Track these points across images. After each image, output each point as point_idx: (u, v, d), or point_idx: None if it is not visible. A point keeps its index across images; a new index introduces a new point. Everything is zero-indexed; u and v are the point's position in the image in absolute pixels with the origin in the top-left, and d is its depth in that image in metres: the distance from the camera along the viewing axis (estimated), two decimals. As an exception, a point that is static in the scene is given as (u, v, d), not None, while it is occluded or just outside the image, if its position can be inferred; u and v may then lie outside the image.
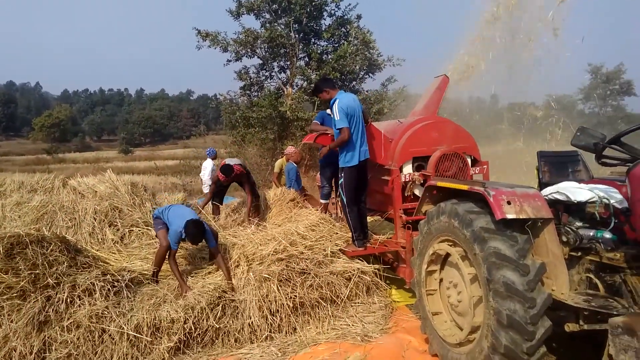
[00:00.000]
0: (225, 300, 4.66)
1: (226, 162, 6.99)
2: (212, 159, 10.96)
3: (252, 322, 4.55)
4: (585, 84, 51.46)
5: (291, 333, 4.69)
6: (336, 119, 5.13)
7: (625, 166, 3.11)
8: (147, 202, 6.95)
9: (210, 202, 7.40)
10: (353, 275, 5.15)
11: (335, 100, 5.22)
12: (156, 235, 5.52)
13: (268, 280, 4.76)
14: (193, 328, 4.38)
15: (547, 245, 3.31)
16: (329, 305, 4.94)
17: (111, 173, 7.49)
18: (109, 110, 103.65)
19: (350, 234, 5.49)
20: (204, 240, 5.17)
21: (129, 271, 5.05)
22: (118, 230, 6.21)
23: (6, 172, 13.56)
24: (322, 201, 6.72)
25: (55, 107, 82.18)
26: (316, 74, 17.08)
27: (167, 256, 5.11)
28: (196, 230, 4.97)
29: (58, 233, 5.33)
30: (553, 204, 3.64)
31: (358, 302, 5.14)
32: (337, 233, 5.69)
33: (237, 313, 4.62)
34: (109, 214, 6.35)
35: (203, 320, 4.46)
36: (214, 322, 4.47)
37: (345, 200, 5.34)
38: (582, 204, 3.51)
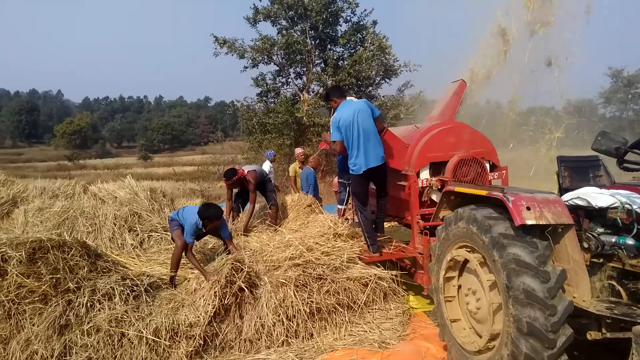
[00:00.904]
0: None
1: (234, 167, 6.99)
2: (271, 161, 10.82)
3: (268, 327, 4.55)
4: (606, 87, 50.74)
5: (308, 339, 4.68)
6: (331, 132, 5.39)
7: (648, 171, 3.06)
8: (166, 207, 7.04)
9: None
10: (370, 281, 5.12)
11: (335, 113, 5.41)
12: (171, 238, 5.60)
13: (285, 285, 4.76)
14: (209, 332, 4.41)
15: (568, 251, 3.25)
16: (345, 311, 4.92)
17: (131, 179, 7.60)
18: (129, 117, 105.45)
19: (365, 240, 5.48)
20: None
21: (148, 276, 5.11)
22: (137, 235, 6.29)
23: (29, 178, 13.84)
24: (339, 206, 6.73)
25: (77, 114, 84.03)
26: (332, 80, 17.16)
27: (184, 253, 5.21)
28: (212, 210, 5.17)
29: (79, 238, 5.42)
30: (574, 209, 3.58)
31: (375, 309, 5.11)
32: (353, 238, 5.67)
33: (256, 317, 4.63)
34: (128, 219, 6.44)
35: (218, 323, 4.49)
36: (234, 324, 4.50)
37: (357, 207, 5.39)
38: (603, 209, 3.45)
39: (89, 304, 4.34)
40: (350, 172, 5.35)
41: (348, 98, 5.54)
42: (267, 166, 10.66)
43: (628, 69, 49.52)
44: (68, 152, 64.81)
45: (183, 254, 5.26)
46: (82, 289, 4.40)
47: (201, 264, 5.14)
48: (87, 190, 7.75)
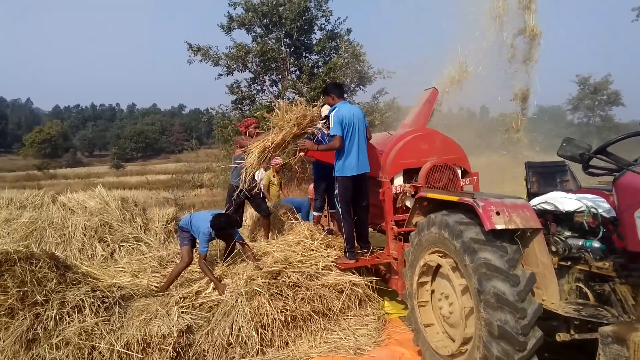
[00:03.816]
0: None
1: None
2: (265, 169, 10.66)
3: (243, 337, 4.50)
4: (574, 94, 52.27)
5: (283, 347, 4.64)
6: (331, 126, 5.23)
7: (612, 176, 3.15)
8: (138, 217, 6.92)
9: None
10: (345, 287, 5.13)
11: (334, 109, 5.32)
12: (180, 250, 5.55)
13: (259, 294, 4.73)
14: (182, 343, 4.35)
15: (536, 255, 3.32)
16: (321, 319, 4.90)
17: (101, 188, 7.47)
18: (101, 125, 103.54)
19: (344, 245, 5.49)
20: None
21: (119, 287, 5.01)
22: (108, 245, 6.17)
23: (-4, 188, 13.41)
24: (315, 214, 6.72)
25: (47, 122, 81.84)
26: (307, 87, 17.20)
27: (190, 245, 5.36)
28: (225, 219, 5.29)
29: (47, 249, 5.30)
30: (542, 214, 3.67)
31: (350, 315, 5.11)
32: (328, 247, 5.69)
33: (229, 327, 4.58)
34: (99, 229, 6.32)
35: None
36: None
37: (340, 211, 5.36)
38: (570, 213, 3.55)
39: (57, 317, 4.22)
40: (339, 173, 5.29)
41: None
42: (257, 173, 10.52)
43: (594, 77, 51.21)
44: (37, 161, 63.00)
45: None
46: (50, 302, 4.28)
47: (214, 275, 5.12)
48: (56, 201, 7.57)
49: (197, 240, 5.39)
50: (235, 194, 6.22)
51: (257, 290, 4.73)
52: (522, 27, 6.31)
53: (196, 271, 5.48)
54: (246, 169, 5.43)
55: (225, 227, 5.28)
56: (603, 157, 3.10)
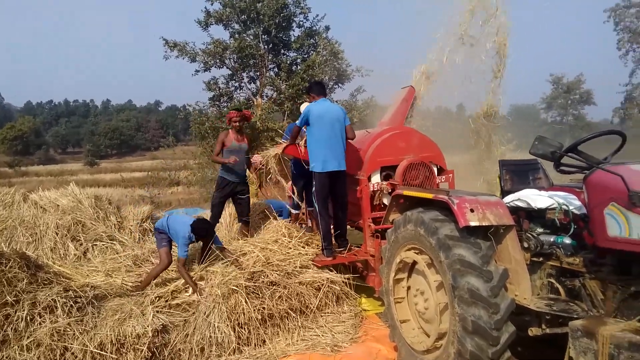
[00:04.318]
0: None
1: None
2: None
3: (219, 336, 4.47)
4: (548, 93, 53.31)
5: (260, 346, 4.63)
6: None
7: (583, 173, 3.22)
8: (112, 215, 6.79)
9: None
10: (322, 285, 5.14)
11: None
12: (158, 252, 5.41)
13: (236, 292, 4.70)
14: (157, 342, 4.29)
15: (509, 251, 3.38)
16: (298, 316, 4.90)
17: (74, 186, 7.30)
18: (74, 122, 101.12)
19: (321, 243, 5.49)
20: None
21: (92, 287, 4.92)
22: (81, 244, 6.04)
23: (-36, 186, 13.00)
24: (293, 211, 6.71)
25: (18, 119, 79.54)
26: (286, 85, 17.14)
27: (168, 247, 5.28)
28: (206, 225, 5.29)
29: (18, 249, 5.16)
30: (515, 211, 3.74)
31: (328, 312, 5.13)
32: (306, 245, 5.69)
33: (205, 326, 4.54)
34: (71, 228, 6.19)
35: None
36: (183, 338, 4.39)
37: (317, 208, 5.37)
38: (542, 210, 3.62)
39: (28, 318, 4.11)
40: (313, 169, 5.33)
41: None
42: None
43: (567, 76, 52.28)
44: (9, 158, 61.35)
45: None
46: (21, 302, 4.17)
47: (193, 279, 5.05)
48: (28, 199, 7.36)
49: (175, 243, 5.32)
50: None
51: (234, 289, 4.69)
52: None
53: (172, 270, 5.41)
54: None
55: (207, 234, 5.23)
56: (574, 156, 3.17)
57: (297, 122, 5.52)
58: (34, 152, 73.56)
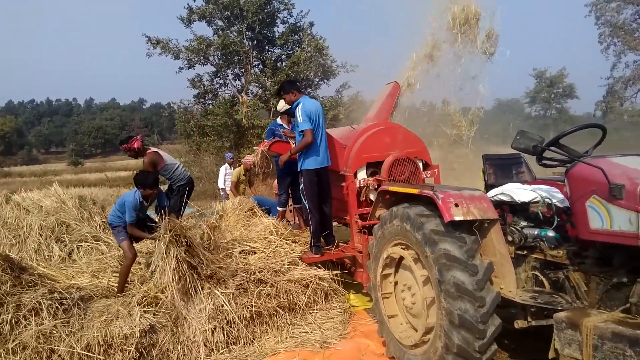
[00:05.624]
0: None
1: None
2: (229, 164, 10.47)
3: (207, 334, 4.46)
4: (531, 87, 53.88)
5: (249, 344, 4.62)
6: (299, 121, 5.16)
7: (565, 167, 3.27)
8: (97, 215, 6.73)
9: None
10: (311, 282, 5.14)
11: (298, 104, 5.25)
12: (119, 246, 5.29)
13: (223, 294, 4.68)
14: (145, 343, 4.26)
15: (494, 245, 3.42)
16: (287, 314, 4.90)
17: (57, 186, 7.22)
18: (57, 121, 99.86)
19: (310, 240, 5.49)
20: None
21: (78, 288, 4.88)
22: (66, 246, 5.98)
23: (-56, 188, 12.75)
24: (280, 209, 6.70)
25: (-1, 118, 78.35)
26: (271, 81, 17.10)
27: (128, 239, 5.16)
28: (146, 174, 5.24)
29: (1, 251, 5.08)
30: (498, 205, 3.78)
31: (316, 309, 5.13)
32: (294, 242, 5.69)
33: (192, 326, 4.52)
34: (55, 229, 6.12)
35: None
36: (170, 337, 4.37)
37: (307, 205, 5.35)
38: (525, 204, 3.67)
39: (13, 321, 4.07)
40: (305, 166, 5.25)
41: None
42: (223, 170, 10.37)
43: (550, 71, 52.89)
44: (-10, 159, 60.52)
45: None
46: (5, 305, 4.12)
47: (146, 234, 5.12)
48: (10, 200, 7.25)
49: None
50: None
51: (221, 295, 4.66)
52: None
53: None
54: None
55: (153, 183, 5.17)
56: (556, 149, 3.21)
57: (301, 122, 5.14)
58: (17, 152, 72.59)
